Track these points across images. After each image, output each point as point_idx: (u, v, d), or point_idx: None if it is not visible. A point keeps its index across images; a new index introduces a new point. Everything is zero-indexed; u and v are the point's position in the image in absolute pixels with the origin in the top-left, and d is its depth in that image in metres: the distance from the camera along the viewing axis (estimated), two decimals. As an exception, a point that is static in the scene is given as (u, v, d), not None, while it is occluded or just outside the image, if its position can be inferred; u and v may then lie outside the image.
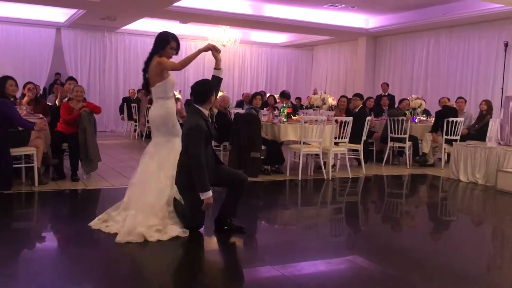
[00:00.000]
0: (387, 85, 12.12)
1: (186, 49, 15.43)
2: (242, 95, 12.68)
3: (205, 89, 4.16)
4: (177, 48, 4.53)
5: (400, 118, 8.58)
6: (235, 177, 4.25)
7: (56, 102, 7.68)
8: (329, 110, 8.90)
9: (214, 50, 4.42)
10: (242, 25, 13.29)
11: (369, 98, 9.84)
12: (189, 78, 15.33)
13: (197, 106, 4.14)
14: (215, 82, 4.39)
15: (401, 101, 9.43)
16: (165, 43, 4.47)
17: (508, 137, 7.40)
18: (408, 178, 7.98)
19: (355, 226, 5.20)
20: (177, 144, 4.40)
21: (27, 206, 5.43)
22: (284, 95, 10.15)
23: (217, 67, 4.45)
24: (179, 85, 14.66)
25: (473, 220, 5.75)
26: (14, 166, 5.71)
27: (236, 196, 4.27)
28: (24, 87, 7.33)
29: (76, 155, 6.28)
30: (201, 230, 4.41)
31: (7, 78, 6.20)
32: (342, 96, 8.91)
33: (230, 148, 7.43)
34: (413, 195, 7.16)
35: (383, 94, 11.73)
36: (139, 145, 11.03)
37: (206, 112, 4.17)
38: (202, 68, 15.15)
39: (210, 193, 3.99)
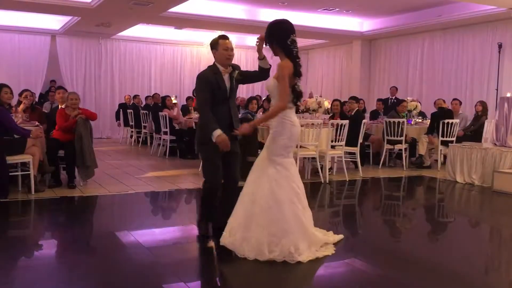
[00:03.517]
0: (396, 89, 12.17)
1: (181, 54, 15.49)
2: (237, 99, 12.66)
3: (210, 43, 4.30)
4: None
5: (397, 120, 8.61)
6: (230, 171, 4.28)
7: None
8: (325, 114, 8.92)
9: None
10: (237, 30, 13.30)
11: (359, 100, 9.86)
12: (184, 81, 15.33)
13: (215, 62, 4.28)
14: (259, 73, 4.24)
15: (398, 103, 9.45)
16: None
17: (503, 137, 7.43)
18: (405, 180, 7.99)
19: (353, 229, 5.20)
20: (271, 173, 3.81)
21: (23, 214, 5.41)
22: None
23: (259, 57, 4.19)
24: (175, 90, 14.65)
25: (470, 221, 5.76)
26: (10, 174, 5.70)
27: (228, 201, 4.23)
28: (20, 94, 7.32)
29: (72, 162, 6.27)
30: (198, 235, 4.40)
31: (2, 85, 6.18)
32: (334, 100, 8.92)
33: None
34: (410, 197, 7.17)
35: (390, 97, 11.85)
36: (135, 151, 11.02)
37: (221, 68, 4.20)
38: (197, 70, 15.15)
39: (218, 131, 4.02)
